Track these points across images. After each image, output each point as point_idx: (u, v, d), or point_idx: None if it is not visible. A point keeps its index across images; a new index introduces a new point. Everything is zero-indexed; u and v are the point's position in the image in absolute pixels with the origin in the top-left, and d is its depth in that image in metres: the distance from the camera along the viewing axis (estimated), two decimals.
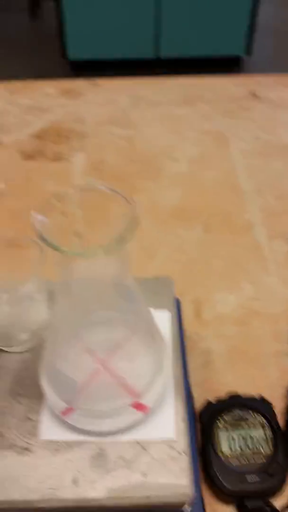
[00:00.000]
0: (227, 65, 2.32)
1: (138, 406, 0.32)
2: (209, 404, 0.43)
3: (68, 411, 0.32)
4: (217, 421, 0.41)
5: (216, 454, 0.39)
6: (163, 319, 0.39)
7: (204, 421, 0.42)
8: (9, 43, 2.66)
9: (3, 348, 0.37)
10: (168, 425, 0.33)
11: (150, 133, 0.78)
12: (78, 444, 0.32)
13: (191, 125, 0.80)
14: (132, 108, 0.83)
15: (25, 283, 0.35)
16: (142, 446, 0.32)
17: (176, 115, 0.82)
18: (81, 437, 0.32)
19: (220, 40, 2.19)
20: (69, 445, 0.32)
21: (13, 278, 0.36)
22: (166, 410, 0.34)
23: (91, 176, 0.69)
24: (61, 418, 0.32)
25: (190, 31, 2.14)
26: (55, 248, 0.24)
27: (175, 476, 0.31)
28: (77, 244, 0.27)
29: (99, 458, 0.32)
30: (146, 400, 0.32)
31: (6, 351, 0.37)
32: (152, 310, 0.39)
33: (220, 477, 0.38)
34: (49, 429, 0.33)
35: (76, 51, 2.20)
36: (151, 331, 0.33)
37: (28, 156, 0.73)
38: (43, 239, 0.24)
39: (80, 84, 0.89)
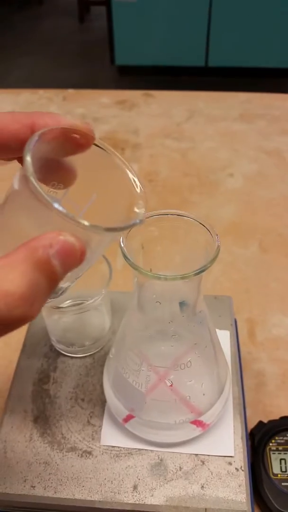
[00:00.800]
0: (277, 76, 2.35)
1: (199, 423, 0.35)
2: (261, 425, 0.45)
3: (129, 418, 0.35)
4: (269, 442, 0.43)
5: (268, 475, 0.41)
6: (223, 338, 0.42)
7: (255, 441, 0.44)
8: (58, 47, 2.79)
9: (67, 354, 0.41)
10: (227, 442, 0.36)
11: (204, 147, 0.82)
12: (138, 452, 0.35)
13: (247, 142, 0.83)
14: (186, 121, 0.87)
15: (91, 295, 0.38)
16: (201, 459, 0.35)
17: (233, 131, 0.85)
18: (140, 446, 0.35)
19: (273, 52, 2.23)
20: (129, 452, 0.35)
21: (81, 288, 0.39)
22: (226, 427, 0.37)
23: (144, 188, 0.73)
24: (122, 425, 0.35)
25: (240, 40, 2.19)
26: (137, 269, 0.27)
27: (232, 492, 0.33)
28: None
29: (159, 467, 0.34)
30: (207, 418, 0.35)
31: (69, 356, 0.41)
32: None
33: (270, 498, 0.40)
34: (110, 435, 0.36)
35: (124, 57, 2.29)
36: (216, 351, 0.36)
37: None
38: (128, 260, 0.27)
39: (134, 94, 0.94)
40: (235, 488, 0.34)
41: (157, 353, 0.34)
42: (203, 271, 0.27)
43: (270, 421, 0.46)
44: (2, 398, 0.48)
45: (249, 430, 0.46)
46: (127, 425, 0.35)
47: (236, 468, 0.35)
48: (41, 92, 0.95)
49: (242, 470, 0.34)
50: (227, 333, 0.43)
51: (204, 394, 0.35)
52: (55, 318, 0.40)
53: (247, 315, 0.57)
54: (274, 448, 0.43)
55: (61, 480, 0.34)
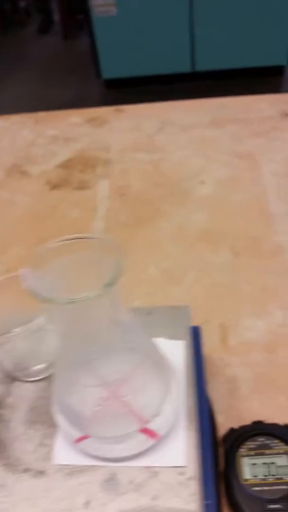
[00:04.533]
0: (267, 75, 2.37)
1: (148, 433, 0.35)
2: (232, 431, 0.45)
3: (80, 439, 0.35)
4: (240, 448, 0.44)
5: (239, 480, 0.41)
6: (177, 348, 0.43)
7: (227, 448, 0.44)
8: (44, 66, 2.85)
9: (20, 378, 0.42)
10: (179, 452, 0.36)
11: (176, 156, 0.83)
12: (91, 468, 0.36)
13: (220, 147, 0.84)
14: (158, 133, 0.89)
15: (36, 316, 0.39)
16: (153, 471, 0.35)
17: (204, 138, 0.87)
18: (93, 462, 0.36)
19: (261, 51, 2.24)
20: (81, 469, 0.36)
21: (24, 311, 0.40)
22: (177, 438, 0.37)
23: (116, 201, 0.74)
24: (74, 445, 0.36)
25: (224, 42, 2.21)
26: (47, 301, 0.28)
27: (184, 501, 0.34)
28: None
29: (111, 482, 0.35)
30: (156, 427, 0.36)
31: (23, 381, 0.42)
32: (164, 339, 0.43)
33: (242, 504, 0.40)
34: (62, 454, 0.36)
35: (110, 70, 2.32)
36: (157, 360, 0.36)
37: (54, 185, 0.79)
38: (35, 294, 0.28)
39: (105, 111, 0.96)
40: (187, 498, 0.34)
41: (95, 368, 0.34)
42: (108, 286, 0.28)
43: (241, 427, 0.46)
44: None
45: (221, 437, 0.46)
46: (80, 445, 0.36)
47: (188, 478, 0.35)
48: (14, 117, 0.98)
49: (194, 480, 0.35)
50: (182, 343, 0.43)
51: (147, 402, 0.35)
52: (6, 348, 0.41)
53: (219, 320, 0.58)
54: (245, 453, 0.43)
55: (14, 502, 0.34)
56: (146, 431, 0.35)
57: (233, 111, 0.93)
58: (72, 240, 0.31)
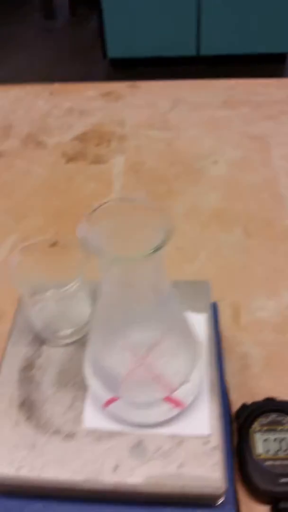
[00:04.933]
0: (271, 62, 2.34)
1: (173, 401, 0.36)
2: (245, 407, 0.46)
3: (109, 402, 0.36)
4: (253, 424, 0.44)
5: (252, 455, 0.42)
6: (199, 322, 0.43)
7: (240, 423, 0.45)
8: (49, 43, 2.77)
9: (49, 341, 0.42)
10: (203, 422, 0.37)
11: (189, 135, 0.82)
12: (119, 434, 0.36)
13: (231, 128, 0.83)
14: (171, 111, 0.88)
15: (69, 282, 0.39)
16: (178, 440, 0.36)
17: (217, 118, 0.86)
18: (121, 428, 0.36)
19: (265, 38, 2.21)
20: (110, 434, 0.36)
21: (58, 277, 0.40)
22: (201, 408, 0.38)
23: (131, 178, 0.74)
24: (103, 409, 0.37)
25: (232, 28, 2.17)
26: (97, 253, 0.28)
27: (208, 469, 0.35)
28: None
29: (138, 448, 0.36)
30: (181, 396, 0.36)
31: (52, 344, 0.42)
32: (188, 312, 0.43)
33: (254, 478, 0.41)
34: (92, 418, 0.37)
35: (116, 50, 2.28)
36: (186, 332, 0.37)
37: (70, 158, 0.78)
38: (86, 244, 0.28)
39: (119, 86, 0.94)
40: (211, 466, 0.35)
41: (128, 335, 0.35)
42: (156, 250, 0.28)
43: (253, 403, 0.47)
44: None
45: (233, 412, 0.47)
46: (108, 408, 0.36)
47: (212, 447, 0.36)
48: (28, 87, 0.96)
49: (218, 449, 0.36)
50: (204, 317, 0.44)
51: (174, 371, 0.36)
52: (37, 309, 0.41)
53: (231, 299, 0.58)
54: (257, 429, 0.44)
55: (46, 462, 0.35)
56: (172, 400, 0.36)
57: (243, 93, 0.92)
58: (121, 203, 0.31)
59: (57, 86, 0.95)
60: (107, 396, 0.36)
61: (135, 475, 0.34)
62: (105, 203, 0.30)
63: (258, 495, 0.41)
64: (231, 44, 2.22)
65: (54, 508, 0.38)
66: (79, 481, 0.34)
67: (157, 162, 0.77)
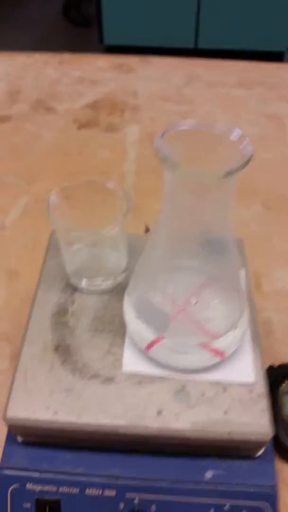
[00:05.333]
0: (268, 59, 2.36)
1: (214, 350, 0.35)
2: (272, 368, 0.45)
3: (152, 344, 0.34)
4: (281, 384, 0.44)
5: (281, 415, 0.42)
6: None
7: (270, 383, 0.44)
8: (43, 28, 2.74)
9: (83, 289, 0.40)
10: (247, 370, 0.36)
11: (204, 110, 0.81)
12: (161, 379, 0.35)
13: (247, 107, 0.83)
14: (185, 86, 0.87)
15: (109, 230, 0.37)
16: (222, 386, 0.35)
17: (232, 96, 0.85)
18: (162, 372, 0.35)
19: (263, 35, 2.23)
20: (151, 379, 0.35)
21: (96, 223, 0.39)
22: (245, 356, 0.37)
23: (146, 148, 0.72)
24: (144, 353, 0.35)
25: (231, 23, 2.18)
26: (170, 164, 0.27)
27: (255, 416, 0.33)
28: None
29: (182, 394, 0.34)
30: (226, 343, 0.35)
31: (86, 292, 0.40)
32: None
33: (283, 438, 0.41)
34: (132, 363, 0.35)
35: (112, 37, 2.26)
36: (235, 280, 0.36)
37: (82, 125, 0.76)
38: (161, 153, 0.27)
39: (131, 60, 0.93)
40: (258, 412, 0.34)
41: (180, 274, 0.33)
42: (232, 173, 0.27)
43: (280, 365, 0.46)
44: (12, 345, 0.48)
45: None
46: (151, 351, 0.35)
47: (257, 394, 0.35)
48: (37, 56, 0.93)
49: (264, 396, 0.35)
50: (242, 272, 0.43)
51: (223, 319, 0.35)
52: (73, 251, 0.39)
53: (252, 270, 0.57)
54: (286, 390, 0.44)
55: (84, 406, 0.33)
56: (213, 349, 0.35)
57: (257, 75, 0.92)
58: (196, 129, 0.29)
59: (66, 56, 0.93)
60: (150, 338, 0.34)
61: (180, 420, 0.33)
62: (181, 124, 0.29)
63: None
64: (229, 39, 2.23)
65: (85, 459, 0.36)
66: (121, 425, 0.33)
67: None
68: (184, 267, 0.34)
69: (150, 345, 0.34)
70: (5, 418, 0.33)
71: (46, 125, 0.76)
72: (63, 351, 0.36)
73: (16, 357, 0.48)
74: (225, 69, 0.93)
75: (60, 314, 0.38)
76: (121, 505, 0.35)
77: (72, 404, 0.33)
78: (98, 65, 0.91)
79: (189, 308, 0.34)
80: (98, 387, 0.34)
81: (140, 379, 0.35)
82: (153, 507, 0.35)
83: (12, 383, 0.34)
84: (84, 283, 0.40)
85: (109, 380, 0.35)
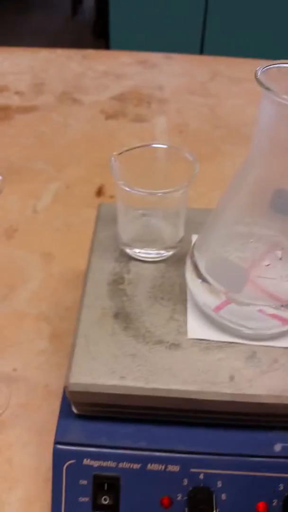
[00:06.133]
0: None
1: (282, 319, 0.33)
2: None
3: (223, 304, 0.33)
4: None
5: None
6: None
7: None
8: (49, 38, 2.77)
9: (140, 258, 0.39)
10: None
11: (231, 104, 0.81)
12: (229, 344, 0.33)
13: None
14: (210, 81, 0.87)
15: (173, 192, 0.36)
16: None
17: (258, 91, 0.85)
18: (230, 339, 0.33)
19: (270, 43, 2.25)
20: (219, 345, 0.33)
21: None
22: None
23: (175, 137, 0.72)
24: (211, 318, 0.34)
25: (237, 32, 2.21)
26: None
27: None
28: None
29: (253, 360, 0.32)
30: None
31: (141, 261, 0.39)
32: None
33: None
34: (196, 329, 0.34)
35: (118, 43, 2.28)
36: None
37: (109, 115, 0.76)
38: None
39: (154, 56, 0.93)
40: None
41: (259, 237, 0.32)
42: None
43: None
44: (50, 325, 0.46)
45: None
46: (220, 312, 0.33)
47: None
48: (59, 51, 0.93)
49: None
50: None
51: None
52: (132, 216, 0.37)
53: None
54: None
55: (152, 371, 0.31)
56: (279, 317, 0.33)
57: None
58: None
59: (90, 51, 0.93)
60: (220, 299, 0.33)
61: (254, 386, 0.31)
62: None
63: None
64: (234, 47, 2.26)
65: (146, 432, 0.34)
66: (193, 391, 0.31)
67: (201, 125, 0.75)
68: (261, 228, 0.33)
69: (220, 306, 0.33)
70: (67, 385, 0.31)
71: (73, 115, 0.76)
72: (123, 318, 0.34)
73: (56, 337, 0.47)
74: (247, 66, 0.93)
75: (117, 282, 0.37)
76: (185, 481, 0.33)
77: (139, 369, 0.31)
78: (122, 60, 0.91)
79: (261, 271, 0.32)
80: (164, 353, 0.32)
81: (207, 345, 0.33)
82: (219, 483, 0.33)
83: (73, 347, 0.33)
84: (140, 251, 0.38)
85: (175, 346, 0.33)
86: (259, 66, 0.31)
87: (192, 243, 0.36)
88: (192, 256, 0.35)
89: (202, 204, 0.60)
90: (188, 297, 0.36)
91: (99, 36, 2.75)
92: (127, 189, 0.34)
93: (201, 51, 2.29)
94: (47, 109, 0.77)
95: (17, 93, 0.81)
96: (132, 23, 2.22)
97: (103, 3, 2.25)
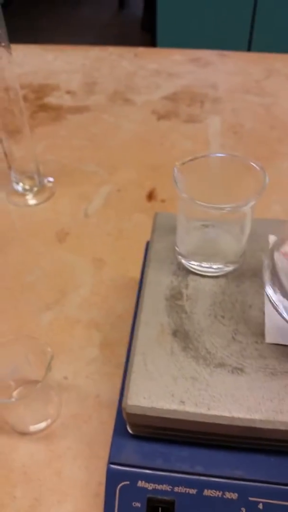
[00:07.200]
0: None
1: None
2: None
3: None
4: None
5: None
6: None
7: None
8: (96, 32, 2.77)
9: (199, 272, 0.37)
10: None
11: None
12: None
13: None
14: (265, 79, 0.83)
15: (240, 206, 0.34)
16: None
17: None
18: None
19: None
20: (285, 370, 0.31)
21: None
22: None
23: (229, 139, 0.69)
24: None
25: (285, 28, 2.14)
26: None
27: None
28: None
29: None
30: None
31: (200, 275, 0.37)
32: None
33: None
34: (275, 332, 0.32)
35: (165, 40, 2.25)
36: None
37: (161, 116, 0.74)
38: None
39: (208, 53, 0.90)
40: None
41: None
42: None
43: None
44: (101, 333, 0.45)
45: None
46: None
47: None
48: (111, 49, 0.92)
49: None
50: None
51: None
52: (193, 228, 0.36)
53: None
54: None
55: (214, 396, 0.30)
56: None
57: None
58: None
59: (141, 49, 0.91)
60: None
61: None
62: None
63: None
64: (282, 44, 2.19)
65: (204, 456, 0.32)
66: (257, 419, 0.29)
67: (256, 125, 0.72)
68: None
69: None
70: (125, 406, 0.30)
71: (125, 116, 0.74)
72: (182, 336, 0.33)
73: (106, 345, 0.46)
74: None
75: (175, 298, 0.35)
76: (243, 510, 0.32)
77: (200, 394, 0.30)
78: (174, 58, 0.88)
79: None
80: (227, 377, 0.31)
81: (272, 370, 0.31)
82: None
83: (130, 365, 0.31)
84: (199, 265, 0.37)
85: (238, 369, 0.31)
86: None
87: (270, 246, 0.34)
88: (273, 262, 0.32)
89: (259, 210, 0.58)
90: (266, 300, 0.34)
91: (147, 30, 2.72)
92: (194, 202, 0.32)
93: (249, 48, 2.23)
94: (99, 109, 0.76)
95: (68, 92, 0.80)
96: (179, 18, 2.18)
97: None
